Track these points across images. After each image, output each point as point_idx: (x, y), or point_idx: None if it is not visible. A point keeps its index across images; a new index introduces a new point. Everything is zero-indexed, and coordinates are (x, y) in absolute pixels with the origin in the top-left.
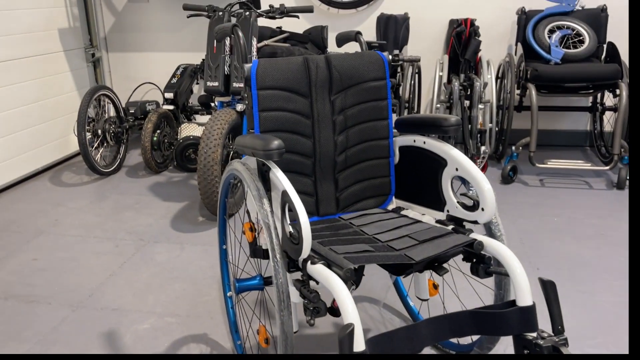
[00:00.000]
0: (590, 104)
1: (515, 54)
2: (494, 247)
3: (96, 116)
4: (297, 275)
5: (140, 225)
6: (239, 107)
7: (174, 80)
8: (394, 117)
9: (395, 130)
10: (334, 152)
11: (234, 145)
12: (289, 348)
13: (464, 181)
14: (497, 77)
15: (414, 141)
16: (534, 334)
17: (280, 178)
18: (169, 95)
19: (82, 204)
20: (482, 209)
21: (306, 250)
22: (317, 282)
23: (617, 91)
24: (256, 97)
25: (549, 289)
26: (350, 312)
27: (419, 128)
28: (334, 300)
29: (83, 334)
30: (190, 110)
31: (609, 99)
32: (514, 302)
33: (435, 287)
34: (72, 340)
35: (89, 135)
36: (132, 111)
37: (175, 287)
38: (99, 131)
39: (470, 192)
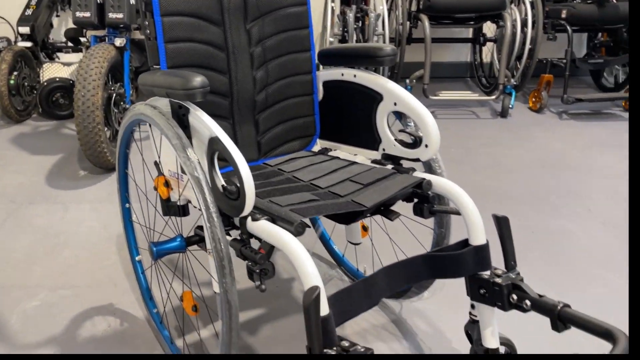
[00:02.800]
0: (471, 36)
1: None
2: (443, 185)
3: None
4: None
5: (8, 186)
6: (118, 41)
7: (29, 11)
8: None
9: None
10: (253, 90)
11: (116, 87)
12: (234, 320)
13: (399, 117)
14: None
15: (342, 75)
16: (489, 273)
17: (207, 122)
18: (24, 29)
19: None
20: (426, 146)
21: (249, 206)
22: (260, 240)
23: (501, 22)
24: (160, 25)
25: (502, 224)
26: (312, 274)
27: (347, 60)
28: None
29: None
30: (52, 48)
31: (488, 31)
32: (466, 242)
33: (366, 229)
34: None
35: None
36: None
37: (65, 255)
38: None
39: (409, 127)
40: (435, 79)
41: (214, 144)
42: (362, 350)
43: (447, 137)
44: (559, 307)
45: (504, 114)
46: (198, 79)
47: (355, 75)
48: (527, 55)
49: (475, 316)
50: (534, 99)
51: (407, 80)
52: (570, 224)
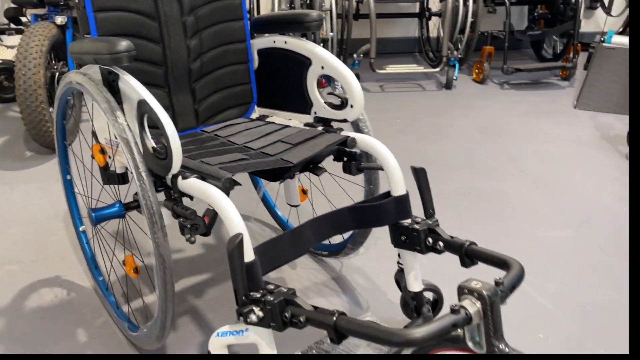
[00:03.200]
0: (417, 10)
1: None
2: (367, 142)
3: None
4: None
5: None
6: (59, 19)
7: None
8: None
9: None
10: (188, 59)
11: (59, 66)
12: (168, 272)
13: (329, 80)
14: None
15: (274, 42)
16: (409, 221)
17: (134, 85)
18: None
19: None
20: (351, 106)
21: (177, 164)
22: (191, 199)
23: None
24: None
25: (420, 175)
26: (236, 222)
27: (278, 27)
28: (202, 218)
29: None
30: None
31: (434, 5)
32: (388, 193)
33: (305, 192)
34: None
35: None
36: None
37: (10, 232)
38: None
39: (337, 90)
40: (385, 54)
41: (141, 107)
42: (285, 290)
43: (394, 109)
44: (466, 245)
45: (448, 85)
46: (123, 43)
47: (286, 42)
48: (470, 28)
49: (402, 264)
50: (477, 71)
51: (355, 55)
52: (504, 184)
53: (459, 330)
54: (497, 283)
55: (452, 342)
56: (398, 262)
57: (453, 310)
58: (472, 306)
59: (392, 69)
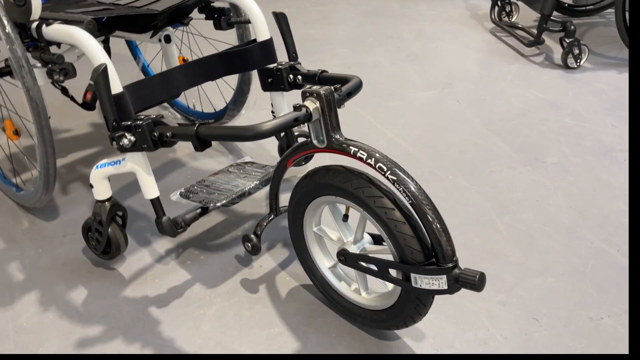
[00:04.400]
0: None
1: None
2: None
3: None
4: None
5: None
6: None
7: None
8: None
9: None
10: None
11: None
12: (43, 116)
13: None
14: None
15: None
16: (275, 64)
17: None
18: None
19: None
20: None
21: (37, 6)
22: (59, 46)
23: None
24: None
25: (281, 20)
26: (100, 56)
27: None
28: (85, 94)
29: None
30: None
31: None
32: (255, 40)
33: (185, 61)
34: None
35: None
36: None
37: None
38: None
39: None
40: None
41: None
42: (153, 116)
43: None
44: (319, 73)
45: None
46: None
47: None
48: None
49: (274, 112)
50: None
51: None
52: (381, 58)
53: (306, 138)
54: (335, 89)
55: (303, 148)
56: (272, 112)
57: (295, 108)
58: (312, 105)
59: None
